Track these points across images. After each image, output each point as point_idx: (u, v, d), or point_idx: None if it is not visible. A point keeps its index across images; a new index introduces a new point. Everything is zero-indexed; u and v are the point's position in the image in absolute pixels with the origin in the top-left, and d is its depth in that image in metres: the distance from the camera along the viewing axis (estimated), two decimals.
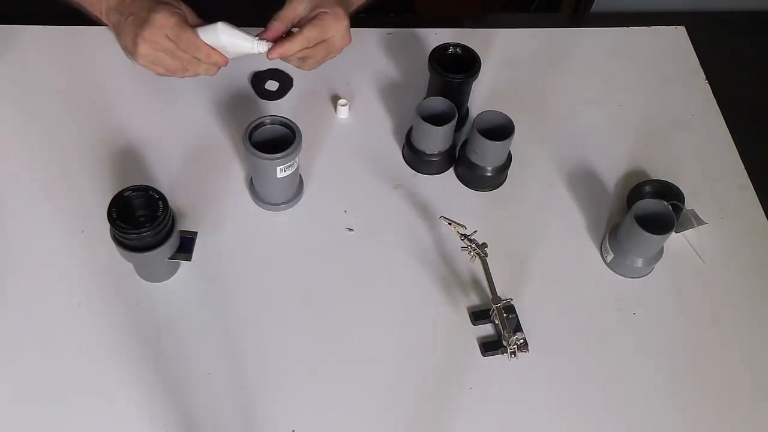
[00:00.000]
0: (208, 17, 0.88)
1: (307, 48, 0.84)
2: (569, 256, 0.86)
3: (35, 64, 0.98)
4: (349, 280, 0.82)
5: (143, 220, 0.74)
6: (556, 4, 1.36)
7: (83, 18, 0.91)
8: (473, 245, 0.78)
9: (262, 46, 0.84)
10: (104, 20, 0.88)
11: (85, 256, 0.81)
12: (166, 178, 0.88)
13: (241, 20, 0.84)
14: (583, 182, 0.93)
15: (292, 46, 0.83)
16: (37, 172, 0.88)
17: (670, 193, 0.88)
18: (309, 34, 0.83)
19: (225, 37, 0.83)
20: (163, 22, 0.80)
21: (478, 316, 0.80)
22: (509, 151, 0.89)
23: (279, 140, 0.81)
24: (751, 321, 0.82)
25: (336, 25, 0.84)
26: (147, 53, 0.82)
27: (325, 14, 0.83)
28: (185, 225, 0.84)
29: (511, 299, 0.77)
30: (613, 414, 0.75)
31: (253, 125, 0.81)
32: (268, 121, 0.81)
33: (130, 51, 0.83)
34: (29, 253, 0.81)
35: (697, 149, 0.97)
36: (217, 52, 0.84)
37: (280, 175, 0.80)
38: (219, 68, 0.86)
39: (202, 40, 0.83)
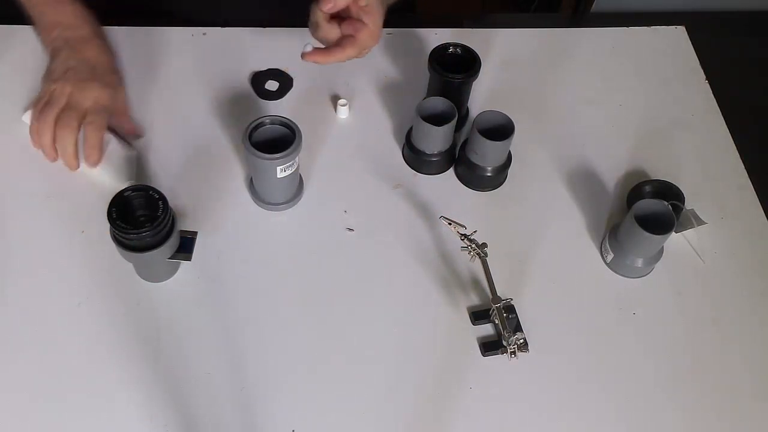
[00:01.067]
0: (211, 15, 0.88)
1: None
2: (569, 256, 0.86)
3: (35, 64, 0.98)
4: (349, 280, 0.82)
5: (143, 220, 0.74)
6: (556, 4, 1.36)
7: None
8: (473, 245, 0.78)
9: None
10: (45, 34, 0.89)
11: (85, 256, 0.81)
12: (166, 178, 0.88)
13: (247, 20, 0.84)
14: (583, 182, 0.93)
15: (328, 59, 0.82)
16: (37, 172, 0.88)
17: (670, 193, 0.88)
18: (349, 53, 0.81)
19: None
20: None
21: (478, 316, 0.80)
22: (509, 151, 0.89)
23: (279, 140, 0.81)
24: (751, 321, 0.82)
25: (369, 43, 0.82)
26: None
27: (365, 29, 0.80)
28: (185, 225, 0.84)
29: (511, 299, 0.77)
30: (613, 414, 0.75)
31: (253, 125, 0.81)
32: (268, 121, 0.81)
33: (57, 78, 0.85)
34: (29, 254, 0.81)
35: (697, 149, 0.97)
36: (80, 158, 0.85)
37: (280, 175, 0.80)
38: (73, 168, 0.85)
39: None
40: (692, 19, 1.12)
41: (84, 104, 0.84)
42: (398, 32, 1.07)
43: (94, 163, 0.83)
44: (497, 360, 0.77)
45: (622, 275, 0.85)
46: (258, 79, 0.99)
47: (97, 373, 0.74)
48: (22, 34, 1.00)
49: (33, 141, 0.85)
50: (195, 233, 0.80)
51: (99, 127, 0.83)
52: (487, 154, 0.86)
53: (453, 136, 0.90)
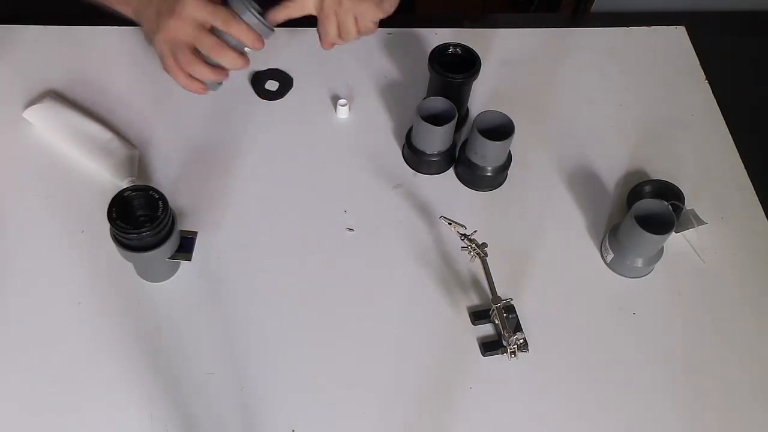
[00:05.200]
0: None
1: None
2: (569, 256, 0.86)
3: (35, 64, 0.98)
4: (349, 280, 0.82)
5: (143, 220, 0.74)
6: (556, 4, 1.36)
7: (83, 18, 0.91)
8: (473, 245, 0.78)
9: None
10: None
11: (85, 256, 0.81)
12: (166, 178, 0.88)
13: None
14: (583, 182, 0.93)
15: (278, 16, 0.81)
16: (37, 172, 0.88)
17: (670, 193, 0.88)
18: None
19: None
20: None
21: (478, 316, 0.80)
22: (509, 151, 0.89)
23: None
24: (751, 321, 0.82)
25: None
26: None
27: None
28: (185, 225, 0.84)
29: (511, 299, 0.77)
30: (612, 414, 0.75)
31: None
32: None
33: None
34: (29, 253, 0.81)
35: (697, 149, 0.97)
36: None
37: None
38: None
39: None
40: (692, 19, 1.12)
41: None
42: (398, 32, 1.07)
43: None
44: (497, 360, 0.77)
45: (622, 275, 0.85)
46: (258, 79, 0.99)
47: (97, 373, 0.74)
48: (22, 34, 1.01)
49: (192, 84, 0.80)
50: (195, 233, 0.80)
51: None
52: (487, 154, 0.86)
53: (453, 136, 0.90)
